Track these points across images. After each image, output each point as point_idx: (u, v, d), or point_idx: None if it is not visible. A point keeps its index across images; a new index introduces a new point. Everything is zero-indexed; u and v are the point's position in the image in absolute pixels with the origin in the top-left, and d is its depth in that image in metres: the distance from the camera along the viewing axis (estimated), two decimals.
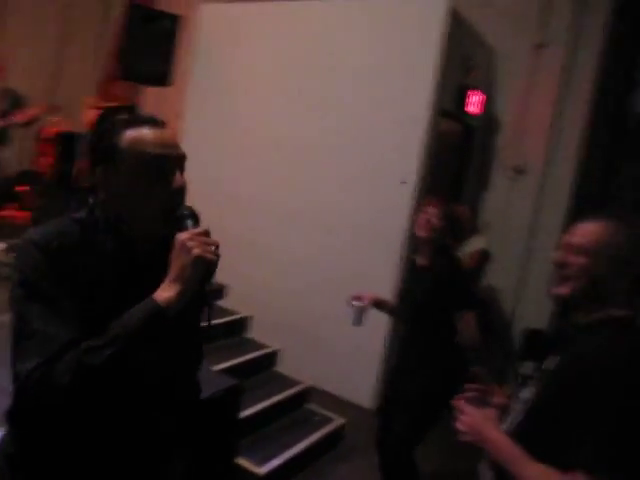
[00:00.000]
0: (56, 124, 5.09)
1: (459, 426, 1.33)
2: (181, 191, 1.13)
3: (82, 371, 0.99)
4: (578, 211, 3.89)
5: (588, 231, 1.25)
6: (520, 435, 1.26)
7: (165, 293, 1.05)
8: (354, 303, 2.46)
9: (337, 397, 3.65)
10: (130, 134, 1.13)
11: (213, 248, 1.07)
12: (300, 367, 3.68)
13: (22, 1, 5.69)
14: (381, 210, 3.57)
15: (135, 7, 3.83)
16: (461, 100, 3.67)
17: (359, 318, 2.46)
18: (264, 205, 4.06)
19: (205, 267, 1.06)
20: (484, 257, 3.89)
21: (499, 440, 1.27)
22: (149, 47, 3.90)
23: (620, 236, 1.23)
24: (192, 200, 1.16)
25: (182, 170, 1.15)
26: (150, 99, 5.18)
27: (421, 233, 2.50)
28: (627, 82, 3.88)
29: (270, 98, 4.13)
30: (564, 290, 1.26)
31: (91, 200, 1.18)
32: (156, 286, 1.08)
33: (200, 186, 4.08)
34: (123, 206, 1.14)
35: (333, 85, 3.79)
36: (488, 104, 4.06)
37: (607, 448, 1.10)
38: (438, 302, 2.45)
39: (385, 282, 3.37)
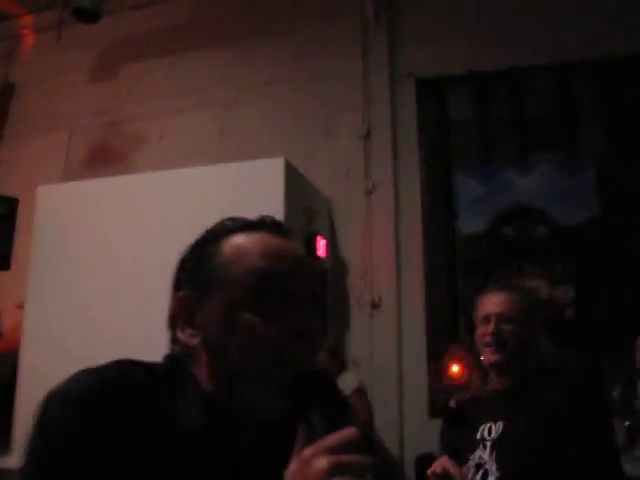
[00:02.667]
0: None
1: None
2: (313, 345, 0.71)
3: None
4: (435, 331, 4.15)
5: (508, 300, 1.41)
6: None
7: None
8: None
9: None
10: (237, 240, 0.77)
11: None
12: None
13: None
14: None
15: None
16: (311, 247, 3.87)
17: None
18: None
19: None
20: (362, 394, 3.91)
21: None
22: None
23: (527, 301, 1.42)
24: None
25: (317, 307, 0.74)
26: None
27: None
28: (448, 211, 4.40)
29: (117, 273, 4.02)
30: (498, 357, 1.40)
31: (175, 346, 0.76)
32: None
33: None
34: (218, 362, 0.71)
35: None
36: (332, 247, 4.32)
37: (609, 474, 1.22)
38: None
39: None
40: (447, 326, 4.24)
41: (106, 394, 0.68)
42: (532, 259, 4.14)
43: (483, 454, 1.40)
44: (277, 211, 3.65)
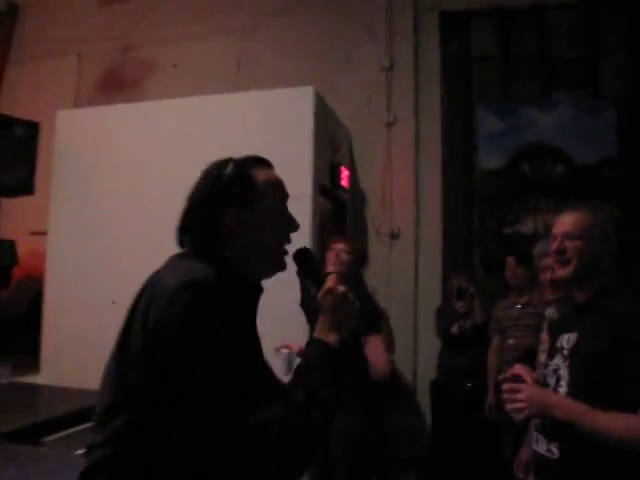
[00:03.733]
0: None
1: (517, 406, 1.45)
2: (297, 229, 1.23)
3: (310, 418, 0.99)
4: (452, 259, 4.28)
5: (575, 219, 1.49)
6: (576, 398, 1.40)
7: (330, 337, 1.10)
8: (283, 351, 2.45)
9: None
10: (262, 174, 1.18)
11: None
12: None
13: None
14: (277, 285, 3.58)
15: None
16: (335, 176, 3.92)
17: (289, 366, 2.45)
18: None
19: (358, 317, 1.15)
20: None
21: (563, 401, 1.41)
22: (7, 156, 3.69)
23: (599, 218, 1.48)
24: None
25: None
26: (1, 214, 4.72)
27: (332, 268, 2.58)
28: (468, 146, 4.45)
29: (139, 197, 4.02)
30: (565, 273, 1.47)
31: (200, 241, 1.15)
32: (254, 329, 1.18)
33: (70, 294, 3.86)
34: (253, 247, 1.15)
35: None
36: (353, 178, 4.37)
37: None
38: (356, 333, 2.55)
39: None
40: (463, 258, 4.36)
41: (212, 278, 1.04)
42: (548, 196, 4.23)
43: (559, 361, 1.51)
44: (307, 139, 3.66)
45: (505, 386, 1.53)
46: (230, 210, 1.13)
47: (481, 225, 4.36)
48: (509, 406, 1.48)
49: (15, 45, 5.77)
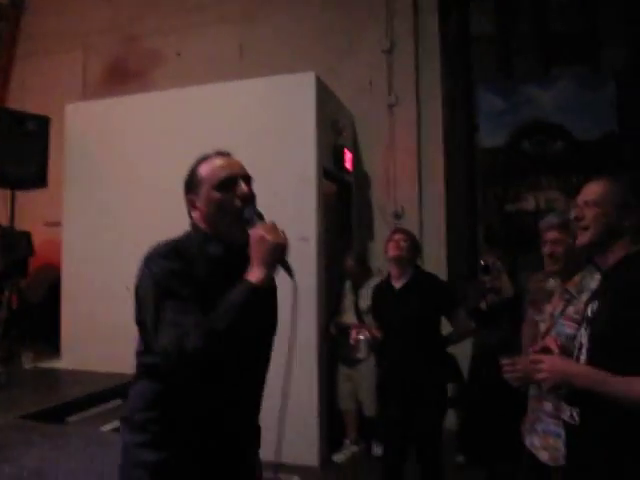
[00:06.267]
0: None
1: (541, 376, 1.50)
2: (245, 197, 1.40)
3: (211, 335, 1.23)
4: (457, 238, 4.36)
5: (594, 188, 1.53)
6: (594, 365, 1.44)
7: (254, 275, 1.28)
8: (361, 337, 2.55)
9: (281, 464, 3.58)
10: (206, 166, 1.45)
11: (282, 234, 1.32)
12: None
13: None
14: None
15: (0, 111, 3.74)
16: (339, 159, 4.00)
17: (368, 350, 2.55)
18: None
19: (280, 250, 1.31)
20: None
21: (582, 370, 1.46)
22: (20, 150, 3.79)
23: (619, 186, 1.52)
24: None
25: (247, 183, 1.43)
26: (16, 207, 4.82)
27: (395, 252, 2.79)
28: (469, 124, 4.52)
29: (149, 187, 4.11)
30: (584, 239, 1.52)
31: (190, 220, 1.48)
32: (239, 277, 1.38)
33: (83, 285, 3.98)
34: (209, 219, 1.42)
35: None
36: (357, 160, 4.45)
37: None
38: (432, 312, 2.78)
39: (309, 345, 3.60)
40: (467, 236, 4.44)
41: (174, 249, 1.37)
42: (549, 173, 4.30)
43: (582, 330, 1.53)
44: (309, 124, 3.74)
45: (530, 358, 1.57)
46: (187, 197, 1.46)
47: (484, 203, 4.43)
48: (537, 376, 1.51)
49: (22, 41, 5.87)
